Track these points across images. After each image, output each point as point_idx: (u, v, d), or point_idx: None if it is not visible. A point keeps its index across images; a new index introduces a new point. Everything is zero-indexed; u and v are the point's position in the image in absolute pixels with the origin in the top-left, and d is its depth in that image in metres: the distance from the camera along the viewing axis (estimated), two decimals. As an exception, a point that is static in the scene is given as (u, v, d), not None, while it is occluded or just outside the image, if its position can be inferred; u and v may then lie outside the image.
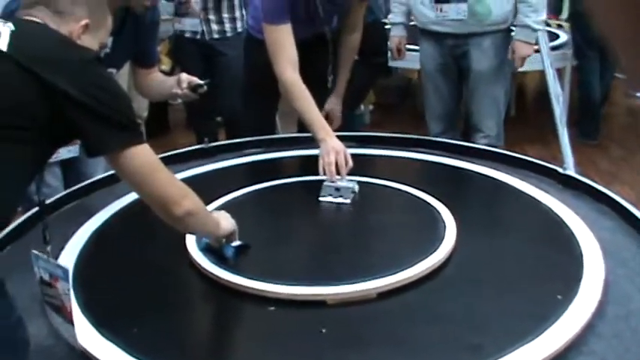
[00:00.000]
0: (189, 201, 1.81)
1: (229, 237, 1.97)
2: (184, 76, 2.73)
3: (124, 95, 1.82)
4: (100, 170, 3.09)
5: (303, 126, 3.05)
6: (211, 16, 4.40)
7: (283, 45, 2.88)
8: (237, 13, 4.44)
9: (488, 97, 3.69)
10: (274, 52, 2.90)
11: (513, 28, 3.63)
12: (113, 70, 2.67)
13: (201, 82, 2.69)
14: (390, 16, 4.04)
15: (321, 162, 2.54)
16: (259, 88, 3.41)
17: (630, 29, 0.53)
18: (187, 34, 4.46)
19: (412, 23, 3.93)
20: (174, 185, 1.82)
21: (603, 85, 5.55)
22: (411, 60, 4.11)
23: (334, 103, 3.39)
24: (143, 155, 1.76)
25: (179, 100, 3.32)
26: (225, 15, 4.41)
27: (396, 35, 3.93)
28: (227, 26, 4.42)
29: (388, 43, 4.05)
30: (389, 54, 4.16)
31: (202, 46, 4.45)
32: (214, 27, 4.41)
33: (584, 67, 5.37)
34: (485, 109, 3.71)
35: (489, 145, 3.45)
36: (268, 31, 2.93)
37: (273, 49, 2.91)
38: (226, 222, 1.97)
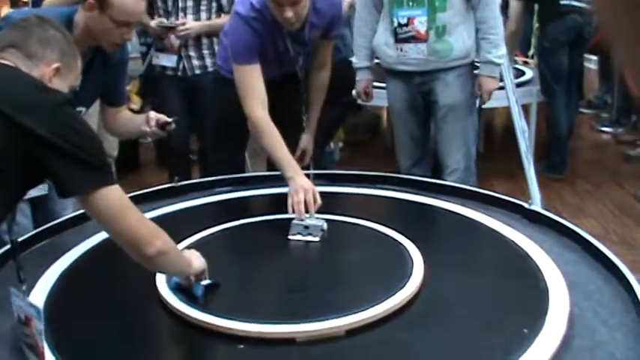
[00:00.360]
0: (160, 241, 1.82)
1: (199, 275, 1.98)
2: (152, 114, 2.75)
3: (94, 137, 1.84)
4: (69, 208, 3.09)
5: (272, 164, 3.09)
6: (192, 53, 4.42)
7: (252, 84, 2.92)
8: (217, 48, 4.46)
9: (455, 131, 3.72)
10: (243, 91, 2.94)
11: (477, 64, 3.70)
12: (82, 109, 2.69)
13: (169, 119, 2.71)
14: (354, 60, 4.05)
15: (290, 200, 2.56)
16: (229, 127, 3.45)
17: (633, 30, 0.55)
18: (169, 72, 4.47)
19: (376, 61, 3.97)
20: (144, 225, 1.84)
21: (568, 119, 5.63)
22: (378, 98, 4.14)
23: (308, 141, 3.44)
24: (114, 196, 1.78)
25: (149, 139, 3.34)
26: (206, 51, 4.43)
27: (363, 79, 3.95)
28: (208, 61, 4.42)
29: (356, 85, 4.07)
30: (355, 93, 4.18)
31: (184, 82, 4.46)
32: (195, 63, 4.43)
33: (552, 102, 5.45)
34: (453, 143, 3.74)
35: (459, 180, 3.50)
36: (237, 70, 2.97)
37: (242, 88, 2.94)
38: (197, 261, 1.98)
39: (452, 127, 3.70)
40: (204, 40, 4.41)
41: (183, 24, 4.30)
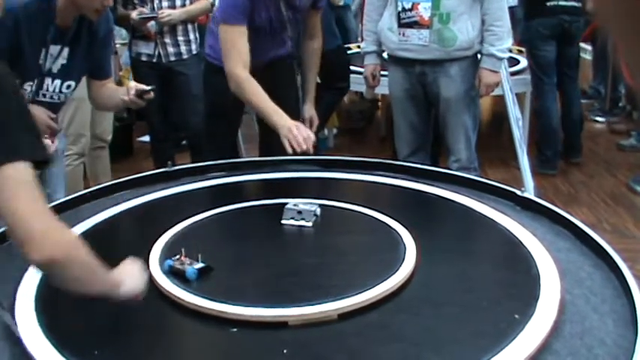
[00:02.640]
0: (57, 247, 1.48)
1: (133, 297, 1.72)
2: (133, 83, 2.84)
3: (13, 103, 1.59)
4: (60, 192, 3.10)
5: (264, 150, 3.13)
6: (167, 40, 4.48)
7: (237, 44, 2.99)
8: (192, 36, 4.57)
9: (456, 123, 3.73)
10: (227, 51, 3.01)
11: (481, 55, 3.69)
12: (72, 83, 2.72)
13: (147, 87, 2.75)
14: (362, 45, 4.08)
15: (286, 141, 2.69)
16: (221, 114, 3.48)
17: (632, 27, 0.55)
18: (143, 58, 4.53)
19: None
20: (41, 220, 1.49)
21: (575, 110, 5.61)
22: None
23: (310, 110, 3.56)
24: (12, 174, 1.47)
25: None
26: (180, 38, 4.52)
27: (370, 63, 3.96)
28: (183, 48, 4.53)
29: (363, 71, 4.07)
30: (363, 81, 4.17)
31: (159, 69, 4.52)
32: (170, 50, 4.50)
33: (541, 95, 5.42)
34: (454, 135, 3.76)
35: (460, 168, 3.52)
36: (223, 30, 3.04)
37: (225, 48, 3.01)
38: (133, 281, 1.71)
39: (453, 119, 3.72)
40: (180, 27, 4.49)
41: (161, 15, 4.37)
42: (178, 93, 4.59)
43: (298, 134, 2.74)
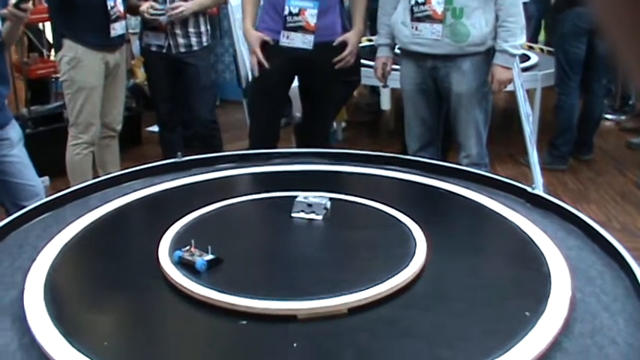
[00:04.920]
0: None
1: None
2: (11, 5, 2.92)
3: None
4: (34, 179, 3.16)
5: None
6: (177, 31, 4.48)
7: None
8: (202, 28, 4.56)
9: (467, 119, 3.73)
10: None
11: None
12: None
13: None
14: (375, 38, 4.10)
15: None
16: (265, 93, 3.71)
17: (633, 27, 0.54)
18: (153, 48, 4.53)
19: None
20: None
21: (598, 108, 5.58)
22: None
23: (351, 34, 3.96)
24: None
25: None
26: (191, 29, 4.50)
27: (382, 55, 3.96)
28: (193, 40, 4.52)
29: (374, 63, 4.08)
30: (374, 75, 4.18)
31: (169, 60, 4.52)
32: (181, 41, 4.49)
33: (566, 91, 5.37)
34: (465, 131, 3.76)
35: (471, 164, 3.51)
36: None
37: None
38: None
39: (464, 115, 3.71)
40: (191, 18, 4.48)
41: (173, 9, 4.36)
42: (187, 84, 4.60)
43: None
